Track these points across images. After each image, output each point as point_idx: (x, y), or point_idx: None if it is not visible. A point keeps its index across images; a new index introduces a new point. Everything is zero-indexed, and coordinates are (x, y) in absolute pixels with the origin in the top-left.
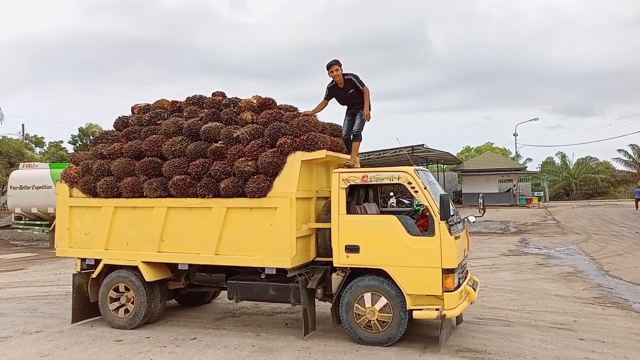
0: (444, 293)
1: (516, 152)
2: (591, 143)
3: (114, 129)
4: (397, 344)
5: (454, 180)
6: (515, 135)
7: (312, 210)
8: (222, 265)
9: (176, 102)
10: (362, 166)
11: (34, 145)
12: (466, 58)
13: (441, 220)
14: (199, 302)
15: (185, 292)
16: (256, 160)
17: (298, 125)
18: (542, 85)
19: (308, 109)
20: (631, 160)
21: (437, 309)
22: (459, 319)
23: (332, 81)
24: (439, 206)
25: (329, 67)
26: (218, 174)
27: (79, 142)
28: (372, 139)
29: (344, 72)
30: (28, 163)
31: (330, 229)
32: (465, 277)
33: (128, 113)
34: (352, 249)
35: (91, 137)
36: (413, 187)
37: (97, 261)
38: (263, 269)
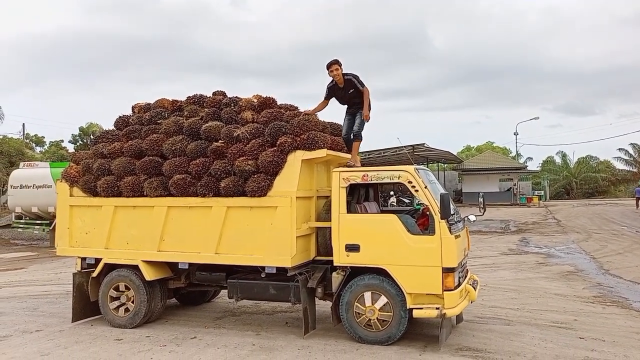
0: (444, 292)
1: (517, 151)
2: (592, 142)
3: (115, 128)
4: (397, 342)
5: (454, 180)
6: (515, 134)
7: (312, 209)
8: (222, 264)
9: (177, 101)
10: (362, 165)
11: (34, 145)
12: (466, 57)
13: (441, 219)
14: (199, 301)
15: (185, 291)
16: (257, 160)
17: (298, 125)
18: (542, 84)
19: (308, 108)
20: (632, 159)
21: (437, 308)
22: (459, 318)
23: (332, 81)
24: (439, 205)
25: (328, 66)
26: (218, 173)
27: (80, 142)
28: (372, 138)
29: (344, 71)
30: (28, 162)
31: (330, 228)
32: (466, 276)
33: (128, 112)
34: (353, 248)
35: (92, 137)
36: (413, 186)
37: (98, 260)
38: (263, 268)
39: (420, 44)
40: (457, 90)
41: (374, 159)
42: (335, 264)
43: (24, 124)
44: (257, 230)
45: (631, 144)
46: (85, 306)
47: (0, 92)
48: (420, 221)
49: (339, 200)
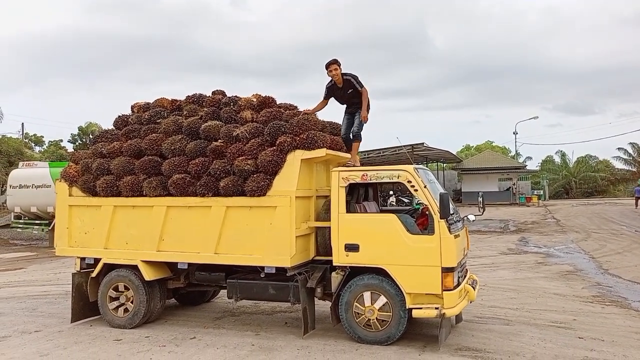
0: (444, 292)
1: (516, 151)
2: (591, 141)
3: (114, 128)
4: (397, 342)
5: (453, 179)
6: (515, 133)
7: (311, 209)
8: (221, 264)
9: (176, 100)
10: (361, 165)
11: (33, 144)
12: (466, 57)
13: (441, 219)
14: (199, 301)
15: (184, 291)
16: (256, 159)
17: (298, 124)
18: (542, 83)
19: (308, 108)
20: (631, 158)
21: (436, 308)
22: (458, 318)
23: (331, 80)
24: (438, 205)
25: (327, 66)
26: (218, 172)
27: (79, 141)
28: (371, 137)
29: (343, 71)
30: (27, 162)
31: (329, 227)
32: (465, 276)
33: (128, 112)
34: (352, 247)
35: (91, 136)
36: (413, 186)
37: (97, 260)
38: (262, 268)
39: (420, 44)
40: (457, 89)
41: (373, 158)
42: (334, 264)
43: (23, 123)
44: (257, 230)
45: (630, 143)
46: (85, 306)
47: (0, 91)
48: (419, 221)
49: (338, 199)
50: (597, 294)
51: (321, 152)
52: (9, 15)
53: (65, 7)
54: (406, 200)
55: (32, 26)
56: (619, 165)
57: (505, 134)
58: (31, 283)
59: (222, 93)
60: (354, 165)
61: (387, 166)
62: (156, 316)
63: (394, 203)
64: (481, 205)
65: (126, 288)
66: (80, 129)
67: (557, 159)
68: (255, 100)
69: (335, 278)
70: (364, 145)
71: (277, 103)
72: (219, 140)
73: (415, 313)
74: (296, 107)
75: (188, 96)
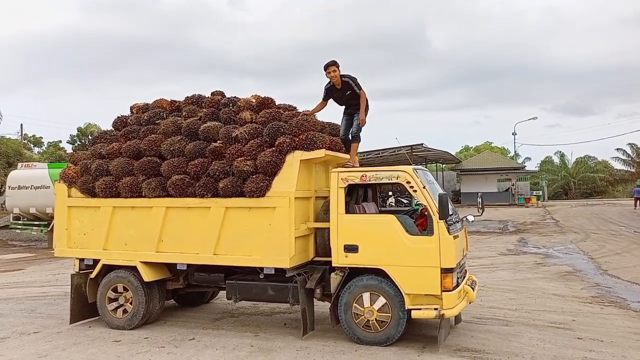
0: (443, 292)
1: (515, 151)
2: (590, 142)
3: (113, 129)
4: (396, 343)
5: (452, 180)
6: (514, 134)
7: (311, 209)
8: (220, 265)
9: (175, 101)
10: (360, 166)
11: (32, 145)
12: (466, 57)
13: (440, 219)
14: (198, 302)
15: (183, 292)
16: (255, 160)
17: (297, 125)
18: (541, 84)
19: (307, 108)
20: (630, 159)
21: (435, 309)
22: (457, 319)
23: (329, 82)
24: (437, 205)
25: (326, 67)
26: (217, 173)
27: (78, 142)
28: (370, 138)
29: (341, 73)
30: (26, 163)
31: (329, 228)
32: (464, 277)
33: (127, 113)
34: (351, 248)
35: (90, 137)
36: (412, 187)
37: (96, 261)
38: (262, 268)
39: (420, 44)
40: (457, 90)
41: (372, 159)
42: (333, 265)
43: (22, 124)
44: (256, 231)
45: (629, 144)
46: (83, 307)
47: None
48: (418, 221)
49: (337, 200)
50: (596, 294)
51: (320, 153)
52: (9, 15)
53: (65, 7)
54: (405, 201)
55: (32, 26)
56: (617, 165)
57: (504, 135)
58: (30, 284)
59: (221, 94)
60: (353, 166)
61: (386, 167)
62: (155, 317)
63: (393, 204)
64: (480, 206)
65: (125, 289)
66: (79, 129)
67: (556, 160)
68: (254, 101)
69: (335, 279)
70: (363, 146)
71: (276, 104)
72: (218, 141)
73: (415, 314)
74: (295, 108)
75: (187, 97)
